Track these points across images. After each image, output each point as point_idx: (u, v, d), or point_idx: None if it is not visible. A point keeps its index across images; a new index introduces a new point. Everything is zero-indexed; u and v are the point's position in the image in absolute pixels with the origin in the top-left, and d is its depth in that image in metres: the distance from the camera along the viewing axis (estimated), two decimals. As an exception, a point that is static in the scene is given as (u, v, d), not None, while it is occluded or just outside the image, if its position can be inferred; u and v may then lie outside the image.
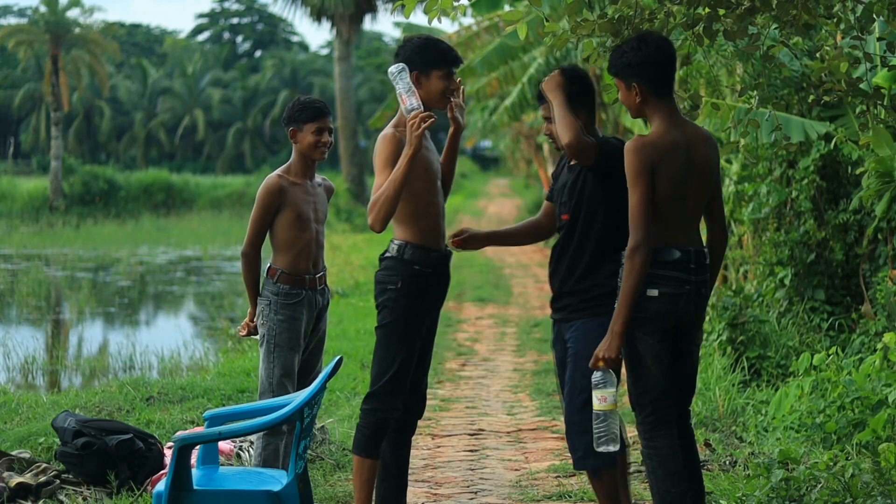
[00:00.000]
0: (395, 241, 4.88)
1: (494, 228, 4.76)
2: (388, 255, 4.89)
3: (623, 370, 4.58)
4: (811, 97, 6.23)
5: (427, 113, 4.66)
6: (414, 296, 4.83)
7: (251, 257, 5.43)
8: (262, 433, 5.26)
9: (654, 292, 4.46)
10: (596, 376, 4.45)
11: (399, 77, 4.71)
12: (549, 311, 4.96)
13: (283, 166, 5.47)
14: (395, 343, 4.83)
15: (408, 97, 4.66)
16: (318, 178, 5.55)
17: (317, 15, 35.17)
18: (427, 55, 4.84)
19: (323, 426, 6.98)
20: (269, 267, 5.44)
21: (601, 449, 4.48)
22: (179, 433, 4.84)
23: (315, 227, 5.40)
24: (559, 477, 6.28)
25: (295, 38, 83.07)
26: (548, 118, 4.82)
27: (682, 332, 4.58)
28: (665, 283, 4.47)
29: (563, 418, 4.82)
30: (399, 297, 4.81)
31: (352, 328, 12.14)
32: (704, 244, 4.63)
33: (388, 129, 4.83)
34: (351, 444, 5.23)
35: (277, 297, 5.37)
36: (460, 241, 5.02)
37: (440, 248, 4.92)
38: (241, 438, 6.41)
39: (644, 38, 4.57)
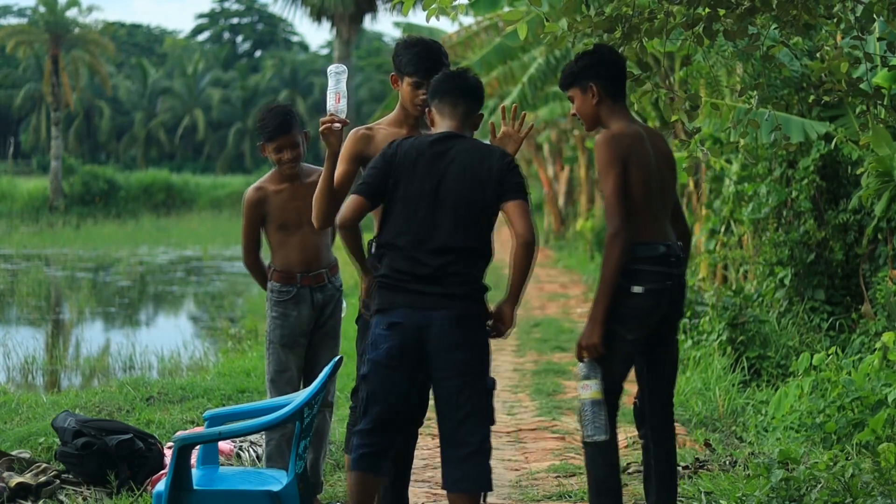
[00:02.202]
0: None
1: (506, 293, 4.53)
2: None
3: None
4: (811, 97, 6.24)
5: (333, 118, 4.67)
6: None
7: (251, 264, 5.61)
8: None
9: (638, 289, 4.47)
10: (580, 367, 4.48)
11: (334, 76, 4.73)
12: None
13: (267, 174, 5.54)
14: (366, 336, 4.84)
15: (331, 97, 4.70)
16: (318, 170, 5.50)
17: (317, 15, 35.16)
18: (399, 59, 4.82)
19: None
20: (268, 265, 5.54)
21: (589, 439, 4.50)
22: (179, 433, 4.84)
23: (305, 227, 5.40)
24: (559, 477, 6.27)
25: (295, 38, 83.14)
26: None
27: (664, 323, 4.64)
28: (650, 278, 4.49)
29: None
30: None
31: (352, 328, 12.10)
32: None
33: (360, 127, 4.86)
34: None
35: (272, 293, 5.48)
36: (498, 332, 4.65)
37: None
38: (241, 438, 6.41)
39: (594, 47, 4.72)
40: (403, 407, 4.43)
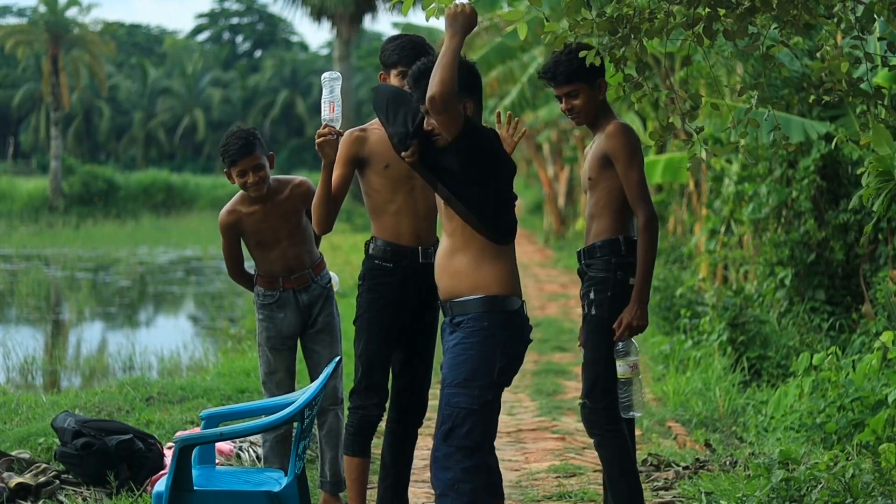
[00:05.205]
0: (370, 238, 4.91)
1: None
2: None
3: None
4: (811, 97, 6.23)
5: (331, 129, 4.67)
6: (373, 289, 4.81)
7: (235, 276, 5.64)
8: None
9: (632, 280, 4.58)
10: (619, 345, 4.53)
11: (328, 84, 4.72)
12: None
13: (238, 195, 5.47)
14: (363, 338, 4.85)
15: (325, 106, 4.69)
16: (294, 181, 5.47)
17: (317, 15, 35.16)
18: (384, 54, 4.85)
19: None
20: (253, 270, 5.57)
21: (626, 415, 4.56)
22: (180, 433, 4.84)
23: (283, 242, 5.41)
24: (559, 477, 6.27)
25: (295, 38, 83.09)
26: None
27: None
28: (633, 271, 4.60)
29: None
30: (362, 291, 4.86)
31: (352, 328, 12.11)
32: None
33: (354, 129, 4.83)
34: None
35: (257, 297, 5.51)
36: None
37: (408, 246, 4.79)
38: (241, 439, 6.41)
39: (581, 45, 4.68)
40: None
